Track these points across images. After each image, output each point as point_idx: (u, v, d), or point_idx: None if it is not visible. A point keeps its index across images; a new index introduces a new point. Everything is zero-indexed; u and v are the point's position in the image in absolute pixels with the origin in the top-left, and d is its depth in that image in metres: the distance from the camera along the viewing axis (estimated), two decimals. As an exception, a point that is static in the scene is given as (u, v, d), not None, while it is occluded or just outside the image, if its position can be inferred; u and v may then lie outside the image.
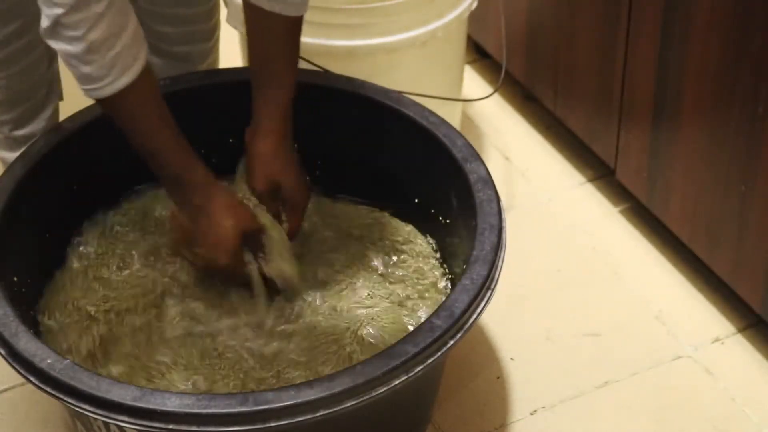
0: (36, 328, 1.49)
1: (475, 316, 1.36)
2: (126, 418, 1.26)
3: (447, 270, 1.61)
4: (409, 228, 1.67)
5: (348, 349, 1.49)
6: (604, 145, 1.95)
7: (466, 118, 2.16)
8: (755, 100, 1.56)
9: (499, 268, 1.42)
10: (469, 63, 2.26)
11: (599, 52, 1.88)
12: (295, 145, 1.56)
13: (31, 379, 1.31)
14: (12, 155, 1.65)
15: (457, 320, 1.34)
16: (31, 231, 1.56)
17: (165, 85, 1.66)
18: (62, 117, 1.68)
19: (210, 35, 1.81)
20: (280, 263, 1.53)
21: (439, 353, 1.32)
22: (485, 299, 1.39)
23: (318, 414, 1.26)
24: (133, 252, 1.63)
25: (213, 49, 1.84)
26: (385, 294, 1.57)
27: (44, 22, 1.33)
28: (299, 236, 1.61)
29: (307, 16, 1.52)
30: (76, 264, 1.61)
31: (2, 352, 1.34)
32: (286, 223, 1.57)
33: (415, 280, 1.60)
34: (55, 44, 1.34)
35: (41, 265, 1.58)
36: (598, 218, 1.97)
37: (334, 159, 1.70)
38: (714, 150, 1.68)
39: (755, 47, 1.54)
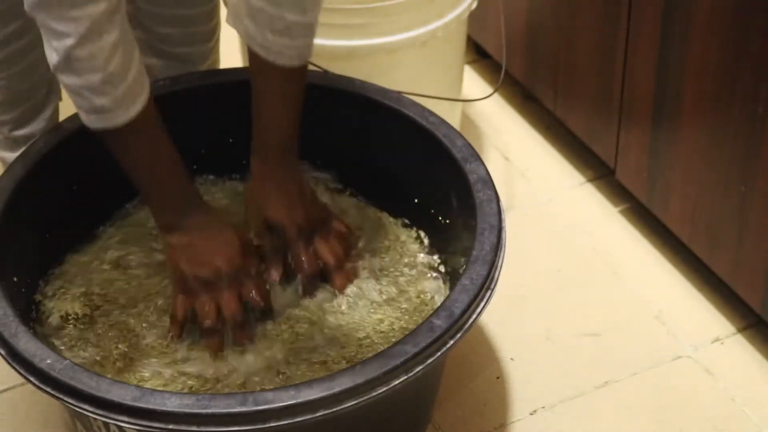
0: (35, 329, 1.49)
1: (475, 316, 1.36)
2: (126, 418, 1.26)
3: (447, 270, 1.61)
4: (409, 228, 1.67)
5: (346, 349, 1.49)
6: (604, 145, 1.95)
7: (466, 118, 2.16)
8: (755, 100, 1.56)
9: (498, 268, 1.42)
10: (469, 63, 2.26)
11: (599, 52, 1.88)
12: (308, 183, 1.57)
13: (31, 379, 1.31)
14: (12, 155, 1.65)
15: (457, 320, 1.34)
16: (31, 231, 1.56)
17: (165, 85, 1.66)
18: (62, 117, 1.68)
19: (210, 36, 1.81)
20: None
21: (439, 353, 1.32)
22: (485, 299, 1.39)
23: (318, 414, 1.26)
24: (135, 252, 1.63)
25: (213, 50, 1.84)
26: (383, 294, 1.57)
27: (53, 57, 1.30)
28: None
29: (307, 16, 1.52)
30: (76, 264, 1.61)
31: (2, 352, 1.34)
32: (271, 267, 1.56)
33: (415, 280, 1.60)
34: (67, 78, 1.31)
35: (41, 265, 1.58)
36: (598, 218, 1.97)
37: (333, 159, 1.71)
38: (714, 150, 1.68)
39: (755, 47, 1.54)
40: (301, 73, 1.50)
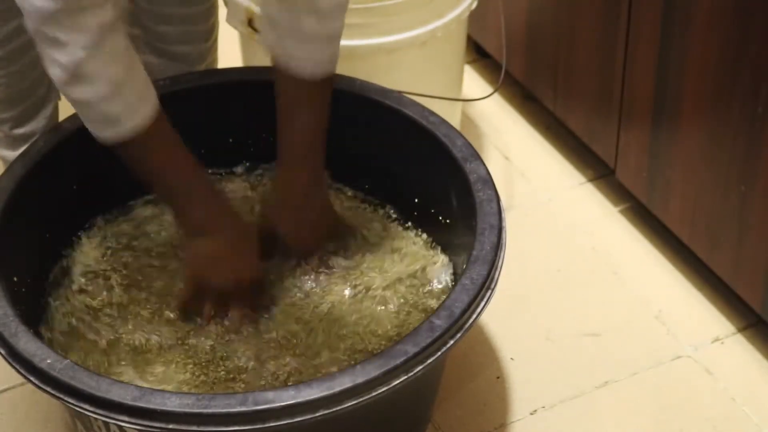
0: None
1: (475, 316, 1.36)
2: (126, 418, 1.26)
3: (446, 270, 1.61)
4: (409, 228, 1.67)
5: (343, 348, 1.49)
6: (604, 145, 1.95)
7: (466, 118, 2.16)
8: (755, 100, 1.56)
9: (499, 268, 1.42)
10: (469, 63, 2.26)
11: (599, 52, 1.88)
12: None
13: (31, 379, 1.31)
14: (12, 153, 1.66)
15: (457, 320, 1.34)
16: (32, 231, 1.56)
17: (165, 85, 1.66)
18: (62, 116, 1.68)
19: (208, 35, 1.81)
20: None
21: (439, 353, 1.32)
22: (485, 299, 1.39)
23: (318, 414, 1.26)
24: (134, 253, 1.63)
25: (211, 50, 1.84)
26: (382, 294, 1.57)
27: (58, 72, 1.29)
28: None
29: (308, 16, 1.52)
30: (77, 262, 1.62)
31: (2, 352, 1.34)
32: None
33: (414, 280, 1.60)
34: (77, 91, 1.31)
35: (41, 265, 1.58)
36: (598, 218, 1.97)
37: (334, 159, 1.70)
38: (714, 150, 1.68)
39: (755, 47, 1.54)
40: (323, 86, 1.49)
